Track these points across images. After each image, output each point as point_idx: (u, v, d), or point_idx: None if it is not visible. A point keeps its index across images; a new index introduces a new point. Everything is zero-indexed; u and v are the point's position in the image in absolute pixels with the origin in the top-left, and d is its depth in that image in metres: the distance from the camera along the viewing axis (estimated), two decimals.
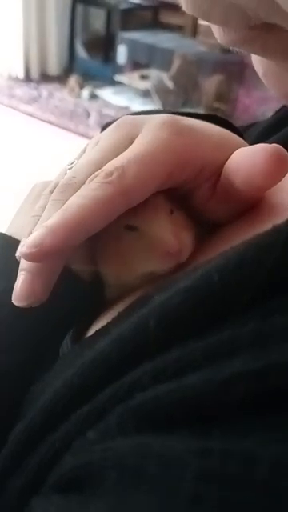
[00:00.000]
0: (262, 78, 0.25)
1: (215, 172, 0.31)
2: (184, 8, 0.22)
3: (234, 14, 0.20)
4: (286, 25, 0.19)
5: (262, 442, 0.16)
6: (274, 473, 0.15)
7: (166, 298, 0.22)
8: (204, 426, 0.17)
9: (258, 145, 0.29)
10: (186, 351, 0.20)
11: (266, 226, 0.23)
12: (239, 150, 0.30)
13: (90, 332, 0.32)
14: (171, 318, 0.21)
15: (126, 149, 0.30)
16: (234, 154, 0.30)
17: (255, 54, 0.24)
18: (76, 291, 0.32)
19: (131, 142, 0.30)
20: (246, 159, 0.29)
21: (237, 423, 0.17)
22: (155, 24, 3.75)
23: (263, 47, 0.22)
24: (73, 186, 0.29)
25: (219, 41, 0.23)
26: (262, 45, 0.22)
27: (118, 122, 0.32)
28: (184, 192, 0.32)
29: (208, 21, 0.22)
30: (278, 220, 0.23)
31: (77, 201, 0.27)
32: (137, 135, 0.30)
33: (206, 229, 0.33)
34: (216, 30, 0.23)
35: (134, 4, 3.67)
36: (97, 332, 0.28)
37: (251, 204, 0.31)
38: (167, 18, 3.67)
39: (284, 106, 0.42)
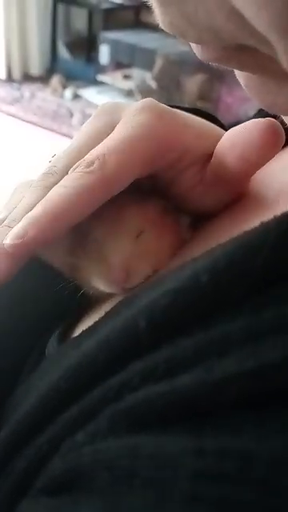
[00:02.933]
0: (244, 89, 0.25)
1: (198, 158, 0.31)
2: (161, 26, 0.22)
3: (209, 36, 0.20)
4: (260, 47, 0.19)
5: (257, 439, 0.16)
6: (273, 471, 0.15)
7: (153, 298, 0.22)
8: (197, 425, 0.17)
9: (251, 120, 0.29)
10: (175, 350, 0.19)
11: (252, 222, 0.23)
12: (231, 129, 0.30)
13: (77, 332, 0.31)
14: (160, 319, 0.21)
15: (107, 135, 0.29)
16: (226, 134, 0.30)
17: (233, 68, 0.24)
18: (61, 291, 0.32)
19: (113, 129, 0.30)
20: (240, 135, 0.29)
21: (230, 422, 0.17)
22: (137, 24, 3.75)
23: (239, 64, 0.23)
24: (53, 175, 0.29)
25: (198, 56, 0.23)
26: (238, 62, 0.22)
27: (98, 109, 0.32)
28: (167, 180, 0.32)
29: (185, 40, 0.22)
30: (265, 216, 0.23)
31: (58, 190, 0.27)
32: (118, 121, 0.30)
33: (192, 223, 0.34)
34: (194, 46, 0.23)
35: (116, 4, 3.66)
36: (83, 332, 0.28)
37: (239, 192, 0.31)
38: (149, 17, 3.67)
39: None
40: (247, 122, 0.29)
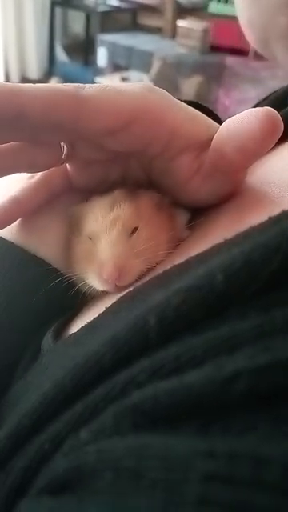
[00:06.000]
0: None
1: (192, 144, 0.30)
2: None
3: None
4: None
5: (270, 440, 0.15)
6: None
7: (164, 297, 0.21)
8: (206, 425, 0.17)
9: (248, 110, 0.29)
10: (184, 347, 0.19)
11: (256, 217, 0.23)
12: (229, 119, 0.29)
13: (73, 328, 0.31)
14: (171, 317, 0.21)
15: None
16: (224, 124, 0.30)
17: None
18: (55, 288, 0.32)
19: None
20: (238, 125, 0.28)
21: (241, 422, 0.16)
22: (134, 26, 3.75)
23: None
24: None
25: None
26: None
27: None
28: (163, 167, 0.31)
29: None
30: (268, 212, 0.22)
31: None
32: None
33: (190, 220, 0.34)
34: None
35: (113, 6, 3.66)
36: (82, 328, 0.28)
37: (236, 184, 0.31)
38: (146, 20, 3.67)
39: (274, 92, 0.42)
40: (245, 112, 0.28)
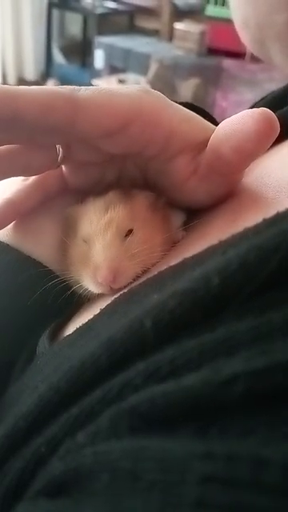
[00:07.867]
0: None
1: (188, 145, 0.30)
2: None
3: None
4: None
5: (269, 443, 0.15)
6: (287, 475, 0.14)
7: (160, 299, 0.21)
8: (203, 427, 0.17)
9: (245, 111, 0.29)
10: (180, 350, 0.19)
11: (251, 218, 0.23)
12: (225, 120, 0.30)
13: (68, 330, 0.31)
14: (167, 320, 0.20)
15: None
16: (220, 125, 0.30)
17: None
18: (50, 290, 0.32)
19: None
20: (234, 126, 0.28)
21: (239, 424, 0.16)
22: (131, 28, 3.76)
23: None
24: None
25: None
26: None
27: None
28: (159, 168, 0.31)
29: None
30: (263, 213, 0.22)
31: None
32: None
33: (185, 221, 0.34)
34: None
35: (110, 9, 3.67)
36: (77, 330, 0.27)
37: (233, 185, 0.31)
38: (143, 22, 3.68)
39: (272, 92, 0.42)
40: (241, 113, 0.29)
